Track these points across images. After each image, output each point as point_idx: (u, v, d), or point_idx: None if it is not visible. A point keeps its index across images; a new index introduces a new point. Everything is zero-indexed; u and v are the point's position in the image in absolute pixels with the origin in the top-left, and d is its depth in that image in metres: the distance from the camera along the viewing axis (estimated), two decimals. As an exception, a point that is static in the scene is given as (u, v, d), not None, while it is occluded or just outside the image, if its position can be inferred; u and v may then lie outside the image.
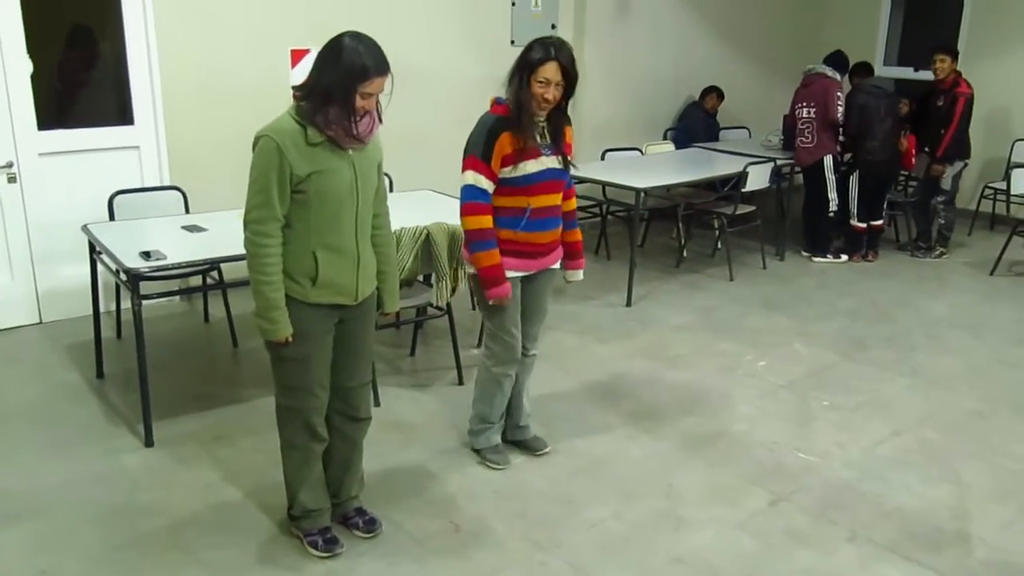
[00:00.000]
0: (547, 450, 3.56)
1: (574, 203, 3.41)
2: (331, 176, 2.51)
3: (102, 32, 4.91)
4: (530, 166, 3.06)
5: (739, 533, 3.07)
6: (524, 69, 3.00)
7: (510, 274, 3.17)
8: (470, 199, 3.08)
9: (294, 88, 2.52)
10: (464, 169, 3.09)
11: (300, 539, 2.90)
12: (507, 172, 3.06)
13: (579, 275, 3.48)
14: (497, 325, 3.27)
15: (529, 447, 3.57)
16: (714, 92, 7.70)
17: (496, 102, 3.10)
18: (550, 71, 2.96)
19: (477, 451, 3.52)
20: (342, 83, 2.42)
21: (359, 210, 2.61)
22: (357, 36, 2.47)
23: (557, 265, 3.37)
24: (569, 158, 3.20)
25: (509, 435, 3.60)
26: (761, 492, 3.34)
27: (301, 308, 2.59)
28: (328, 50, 2.46)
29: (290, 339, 2.58)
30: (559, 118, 3.12)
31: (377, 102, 2.56)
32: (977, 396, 4.25)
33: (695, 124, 7.60)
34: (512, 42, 6.45)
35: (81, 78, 4.98)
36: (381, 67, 2.46)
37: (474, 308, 4.62)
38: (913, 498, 3.32)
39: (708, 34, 8.03)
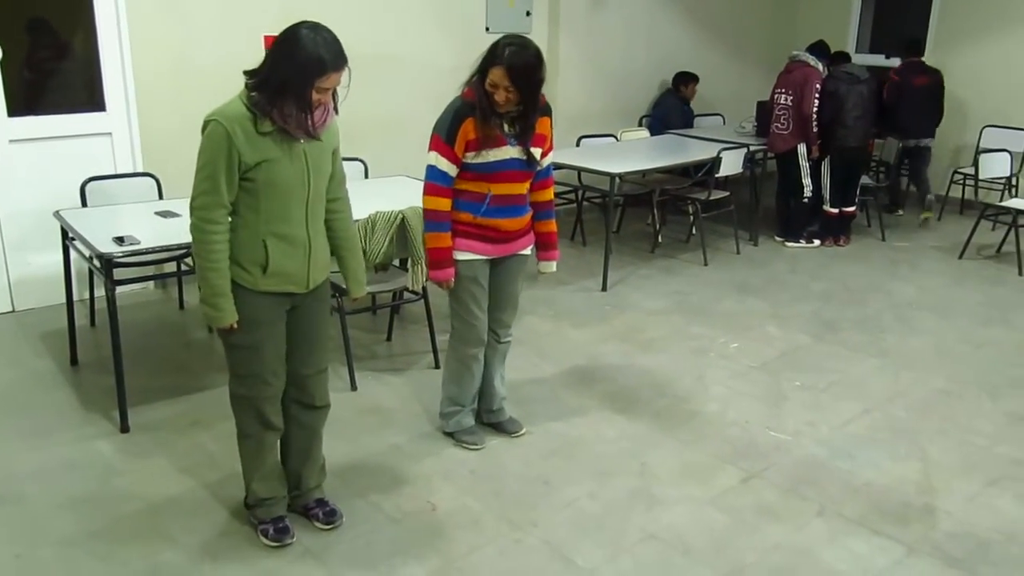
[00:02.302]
0: (523, 431, 3.60)
1: (550, 194, 3.38)
2: (281, 166, 2.47)
3: (73, 18, 4.86)
4: (492, 154, 3.08)
5: (711, 509, 3.13)
6: (482, 64, 3.02)
7: (472, 256, 3.19)
8: (430, 179, 3.12)
9: (245, 74, 2.45)
10: (429, 148, 3.11)
11: (254, 527, 2.88)
12: (470, 157, 3.08)
13: (552, 267, 3.48)
14: (460, 306, 3.29)
15: (505, 429, 3.60)
16: (691, 80, 7.73)
17: (468, 86, 3.10)
18: (497, 75, 2.97)
19: (450, 434, 3.54)
20: (297, 78, 2.37)
21: (310, 199, 2.58)
22: (315, 27, 2.41)
23: (528, 251, 3.38)
24: (538, 150, 3.18)
25: (485, 418, 3.63)
26: (733, 470, 3.40)
27: (251, 296, 2.56)
28: (283, 42, 2.40)
29: (235, 325, 2.56)
30: (530, 111, 3.09)
31: (334, 93, 2.52)
32: (944, 375, 4.33)
33: (670, 112, 7.64)
34: (487, 29, 6.46)
35: (52, 64, 4.93)
36: (338, 62, 2.41)
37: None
38: (881, 474, 3.39)
39: (682, 21, 8.07)
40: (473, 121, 3.03)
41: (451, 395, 3.50)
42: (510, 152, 3.11)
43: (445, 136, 3.06)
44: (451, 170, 3.09)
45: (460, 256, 3.20)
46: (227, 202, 2.47)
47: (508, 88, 2.97)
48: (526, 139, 3.13)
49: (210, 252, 2.48)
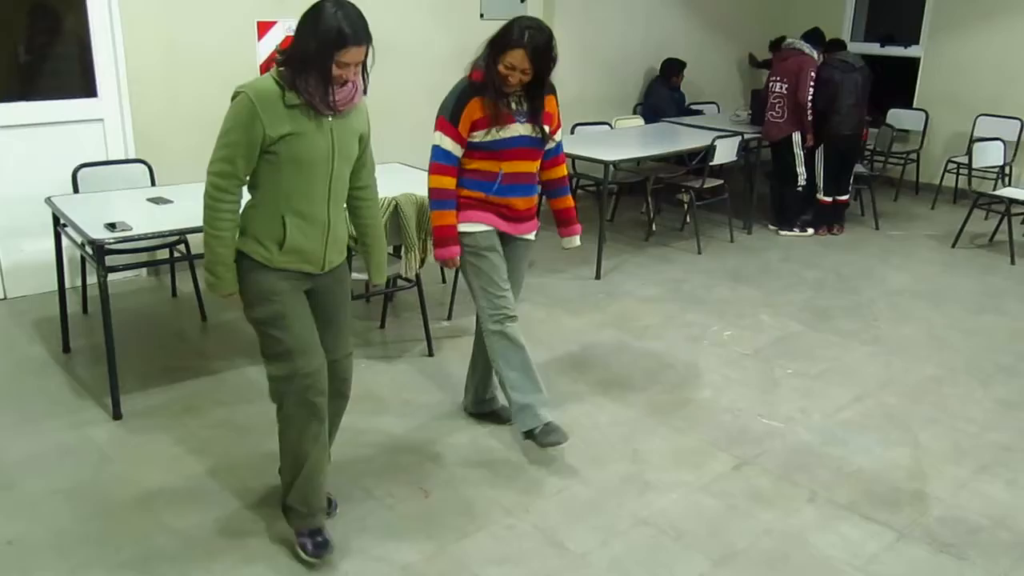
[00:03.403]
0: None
1: (562, 170, 3.38)
2: (305, 140, 2.47)
3: (65, 3, 4.82)
4: (502, 132, 3.08)
5: (703, 495, 3.14)
6: (495, 47, 3.00)
7: (487, 227, 3.18)
8: (435, 159, 3.12)
9: (277, 51, 2.48)
10: (435, 129, 3.11)
11: (293, 535, 2.75)
12: (478, 136, 3.08)
13: (575, 240, 3.46)
14: (483, 280, 3.21)
15: (500, 416, 3.60)
16: (680, 67, 7.70)
17: (474, 67, 3.10)
18: (516, 58, 2.96)
19: (530, 436, 3.27)
20: (319, 50, 2.37)
21: (332, 178, 2.57)
22: (339, 3, 2.41)
23: (532, 236, 3.37)
24: (548, 128, 3.18)
25: (476, 408, 3.62)
26: (725, 456, 3.41)
27: (265, 272, 2.55)
28: (308, 15, 2.41)
29: (234, 294, 2.56)
30: (538, 88, 3.09)
31: (364, 71, 2.52)
32: (936, 363, 4.35)
33: (661, 101, 7.63)
34: (481, 16, 6.43)
35: (44, 50, 4.90)
36: (360, 36, 2.40)
37: (456, 277, 4.61)
38: (872, 460, 3.41)
39: (677, 8, 8.05)
40: (479, 101, 3.03)
41: (513, 384, 3.25)
42: (519, 130, 3.11)
43: (449, 116, 3.06)
44: (455, 149, 3.09)
45: (475, 228, 3.17)
46: (241, 175, 2.47)
47: (526, 70, 2.98)
48: (536, 116, 3.14)
49: (216, 219, 2.49)
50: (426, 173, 3.19)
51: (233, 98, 2.45)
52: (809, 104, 6.20)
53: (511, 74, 2.99)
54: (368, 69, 2.54)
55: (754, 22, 8.65)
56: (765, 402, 3.88)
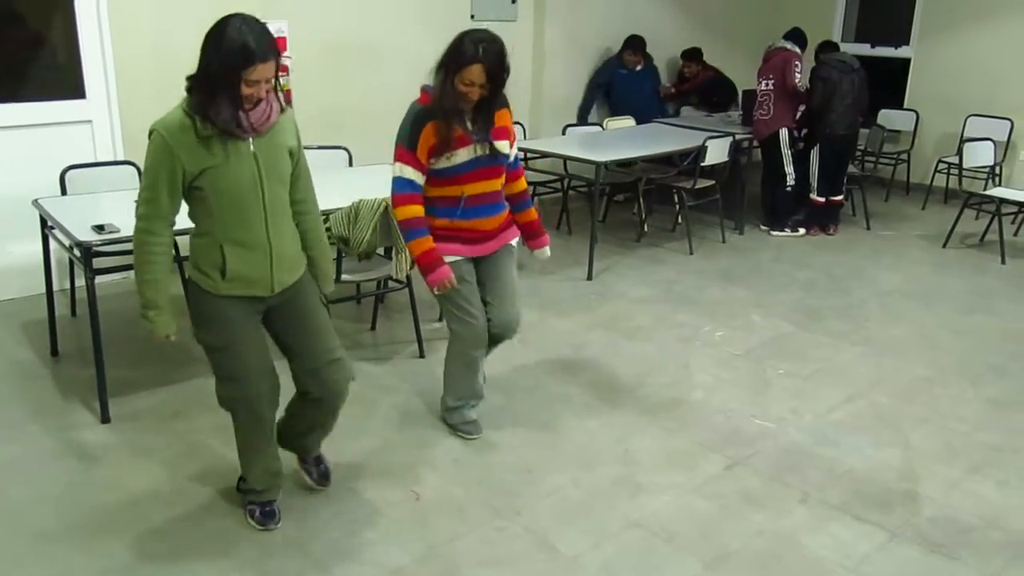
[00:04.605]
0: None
1: (523, 183, 3.37)
2: (227, 171, 2.41)
3: (51, 4, 4.79)
4: (458, 156, 3.05)
5: (695, 497, 3.13)
6: (451, 66, 2.95)
7: (453, 258, 3.16)
8: (397, 190, 3.08)
9: (187, 79, 2.40)
10: (394, 160, 3.08)
11: (243, 506, 2.92)
12: (436, 163, 3.05)
13: (546, 252, 3.47)
14: (454, 307, 3.24)
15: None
16: (631, 44, 7.33)
17: (424, 91, 3.06)
18: (474, 74, 2.92)
19: (451, 426, 3.51)
20: (225, 70, 2.29)
21: (266, 202, 2.51)
22: (243, 19, 2.33)
23: (514, 241, 3.36)
24: (502, 142, 3.13)
25: (448, 418, 3.58)
26: (717, 457, 3.40)
27: (212, 298, 2.55)
28: (210, 35, 2.33)
29: (172, 336, 2.57)
30: (490, 105, 3.05)
31: (277, 87, 2.46)
32: (927, 363, 4.35)
33: (601, 77, 7.42)
34: (472, 17, 6.43)
35: (31, 52, 4.87)
36: (266, 52, 2.31)
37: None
38: (864, 460, 3.40)
39: (667, 9, 8.06)
40: (434, 125, 3.00)
41: (456, 393, 3.46)
42: (476, 151, 3.08)
43: (408, 144, 3.03)
44: (417, 177, 3.06)
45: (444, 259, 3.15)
46: (167, 214, 2.44)
47: (484, 84, 2.95)
48: (487, 133, 3.09)
49: (145, 263, 2.48)
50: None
51: (149, 136, 2.39)
52: (798, 88, 6.21)
53: (471, 91, 2.95)
54: (279, 86, 2.48)
55: (745, 22, 8.67)
56: (756, 403, 3.87)
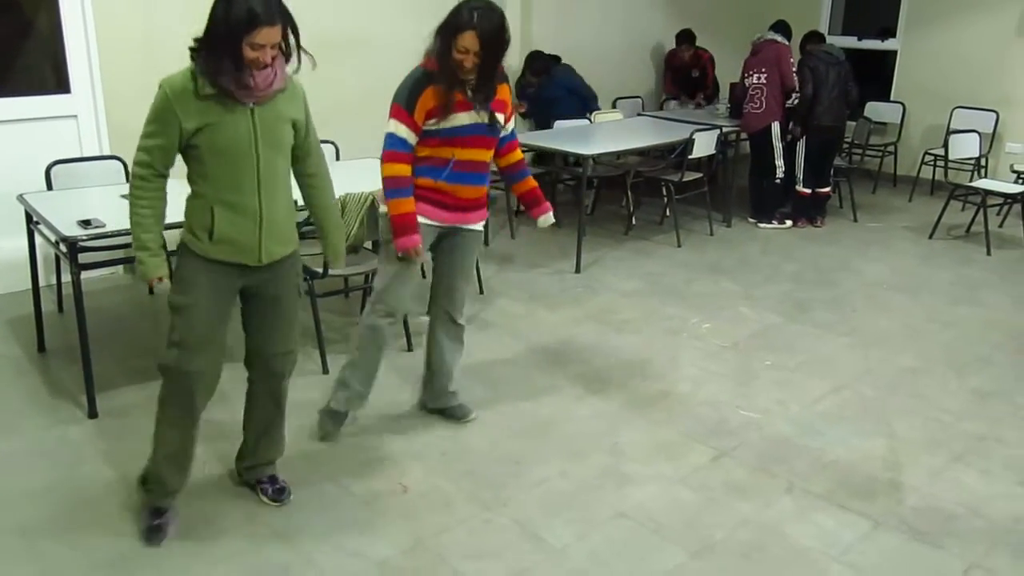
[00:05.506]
0: (472, 417, 3.56)
1: (519, 154, 3.38)
2: (222, 130, 2.45)
3: (35, -2, 4.78)
4: (458, 119, 3.06)
5: (681, 487, 3.15)
6: (447, 31, 2.98)
7: (422, 220, 3.14)
8: (389, 147, 3.09)
9: (193, 39, 2.46)
10: (389, 117, 3.09)
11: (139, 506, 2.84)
12: (433, 124, 3.05)
13: (550, 218, 3.44)
14: (397, 279, 3.20)
15: (453, 415, 3.56)
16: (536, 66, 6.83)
17: (427, 55, 3.08)
18: (467, 40, 2.93)
19: (332, 414, 3.38)
20: (228, 33, 2.35)
21: (260, 166, 2.53)
22: None
23: (479, 226, 3.35)
24: (500, 115, 3.16)
25: (431, 404, 3.59)
26: (703, 448, 3.42)
27: (195, 261, 2.58)
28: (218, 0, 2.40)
29: (162, 279, 2.57)
30: (490, 76, 3.07)
31: (297, 49, 2.49)
32: (912, 354, 4.38)
33: (527, 85, 6.93)
34: (459, 10, 6.41)
35: (15, 46, 4.84)
36: (272, 16, 2.35)
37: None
38: (849, 451, 3.43)
39: (655, 4, 8.06)
40: (434, 90, 3.01)
41: (350, 368, 3.35)
42: (474, 117, 3.09)
43: (405, 103, 3.04)
44: (410, 137, 3.07)
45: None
46: (158, 166, 2.50)
47: (477, 53, 2.95)
48: (488, 104, 3.11)
49: (136, 206, 2.53)
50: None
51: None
52: (796, 87, 6.23)
53: (465, 58, 2.96)
54: (297, 50, 2.50)
55: (733, 15, 8.67)
56: (743, 394, 3.89)
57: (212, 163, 2.49)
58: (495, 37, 2.96)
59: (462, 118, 3.07)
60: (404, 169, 3.09)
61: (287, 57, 2.51)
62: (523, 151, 3.46)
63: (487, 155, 3.21)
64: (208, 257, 2.57)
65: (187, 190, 2.59)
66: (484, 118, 3.12)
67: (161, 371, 2.67)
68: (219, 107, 2.44)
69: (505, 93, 3.21)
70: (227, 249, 2.57)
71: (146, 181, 2.51)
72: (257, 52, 2.38)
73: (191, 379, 2.63)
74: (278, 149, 2.59)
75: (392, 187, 3.09)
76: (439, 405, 3.59)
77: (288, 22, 2.43)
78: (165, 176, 2.54)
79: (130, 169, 2.54)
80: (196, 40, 2.43)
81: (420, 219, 3.14)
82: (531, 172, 3.46)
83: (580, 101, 6.91)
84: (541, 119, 6.80)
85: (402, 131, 3.06)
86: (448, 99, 3.02)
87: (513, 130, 3.32)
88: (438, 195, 3.15)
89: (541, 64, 6.85)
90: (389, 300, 3.25)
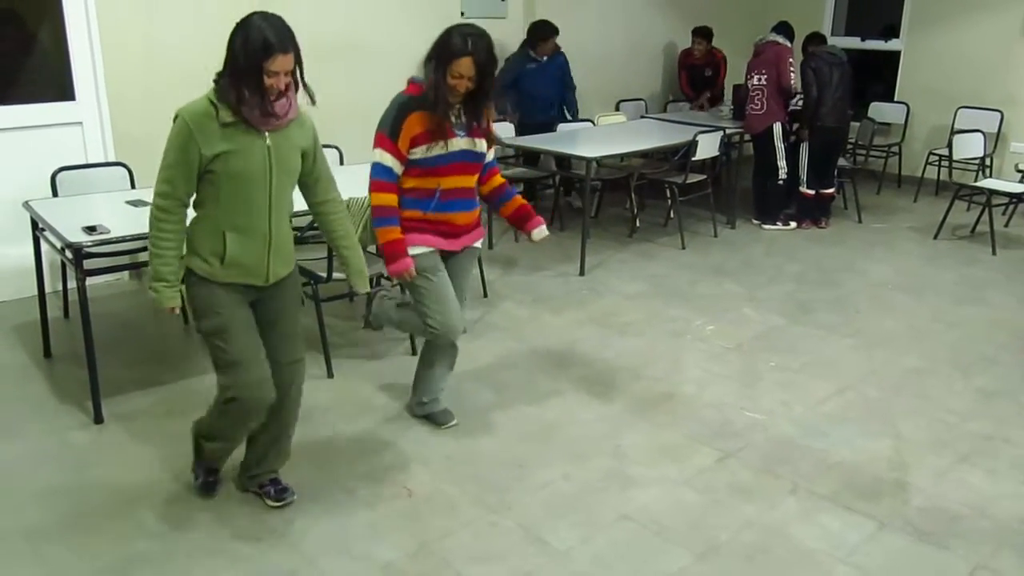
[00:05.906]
0: (454, 423, 3.54)
1: (499, 179, 3.39)
2: (241, 156, 2.53)
3: (40, 6, 4.79)
4: (440, 148, 3.06)
5: (685, 489, 3.15)
6: (441, 58, 2.98)
7: (426, 249, 3.16)
8: (374, 176, 3.11)
9: (216, 73, 2.55)
10: (374, 146, 3.10)
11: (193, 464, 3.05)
12: (417, 153, 3.06)
13: (543, 231, 3.44)
14: (430, 301, 3.19)
15: (436, 420, 3.54)
16: (540, 32, 6.56)
17: (411, 81, 3.10)
18: (463, 66, 2.95)
19: (427, 412, 3.53)
20: (248, 61, 2.44)
21: (272, 191, 2.62)
22: (264, 15, 2.50)
23: (478, 244, 3.37)
24: (482, 141, 3.17)
25: (417, 411, 3.59)
26: (707, 450, 3.42)
27: (209, 286, 2.64)
28: (236, 31, 2.49)
29: (175, 310, 2.63)
30: (479, 101, 3.08)
31: (300, 83, 2.57)
32: (917, 354, 4.37)
33: (526, 78, 6.64)
34: (462, 14, 6.43)
35: (20, 54, 4.87)
36: (285, 44, 2.46)
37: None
38: (854, 452, 3.42)
39: (657, 5, 8.07)
40: (419, 116, 3.02)
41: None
42: (459, 144, 3.10)
43: (389, 132, 3.05)
44: (395, 166, 3.08)
45: (417, 251, 3.15)
46: (182, 196, 2.56)
47: (472, 77, 2.97)
48: (472, 127, 3.13)
49: (158, 239, 2.58)
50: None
51: (174, 120, 2.53)
52: (793, 89, 6.23)
53: (459, 83, 2.98)
54: (304, 81, 2.59)
55: (735, 16, 8.67)
56: (747, 396, 3.89)
57: (227, 187, 2.56)
58: (489, 62, 3.00)
59: (447, 145, 3.07)
60: (391, 199, 3.11)
61: (295, 88, 2.59)
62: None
63: (472, 180, 3.23)
64: (216, 281, 2.64)
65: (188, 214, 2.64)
66: (470, 144, 3.13)
67: (227, 393, 2.70)
68: (238, 134, 2.53)
69: (488, 118, 3.21)
70: (237, 272, 2.64)
71: (169, 213, 2.56)
72: (272, 79, 2.47)
73: (254, 389, 2.69)
74: (289, 175, 2.68)
75: (379, 216, 3.12)
76: (423, 412, 3.58)
77: (298, 52, 2.52)
78: (187, 206, 2.60)
79: (152, 203, 2.58)
80: (218, 73, 2.52)
81: (423, 249, 3.16)
82: (518, 191, 3.46)
83: (567, 93, 6.85)
84: (527, 105, 6.61)
85: (387, 160, 3.08)
86: (433, 126, 3.03)
87: (494, 159, 3.34)
88: (432, 225, 3.17)
89: (549, 30, 6.51)
90: (434, 321, 3.21)
